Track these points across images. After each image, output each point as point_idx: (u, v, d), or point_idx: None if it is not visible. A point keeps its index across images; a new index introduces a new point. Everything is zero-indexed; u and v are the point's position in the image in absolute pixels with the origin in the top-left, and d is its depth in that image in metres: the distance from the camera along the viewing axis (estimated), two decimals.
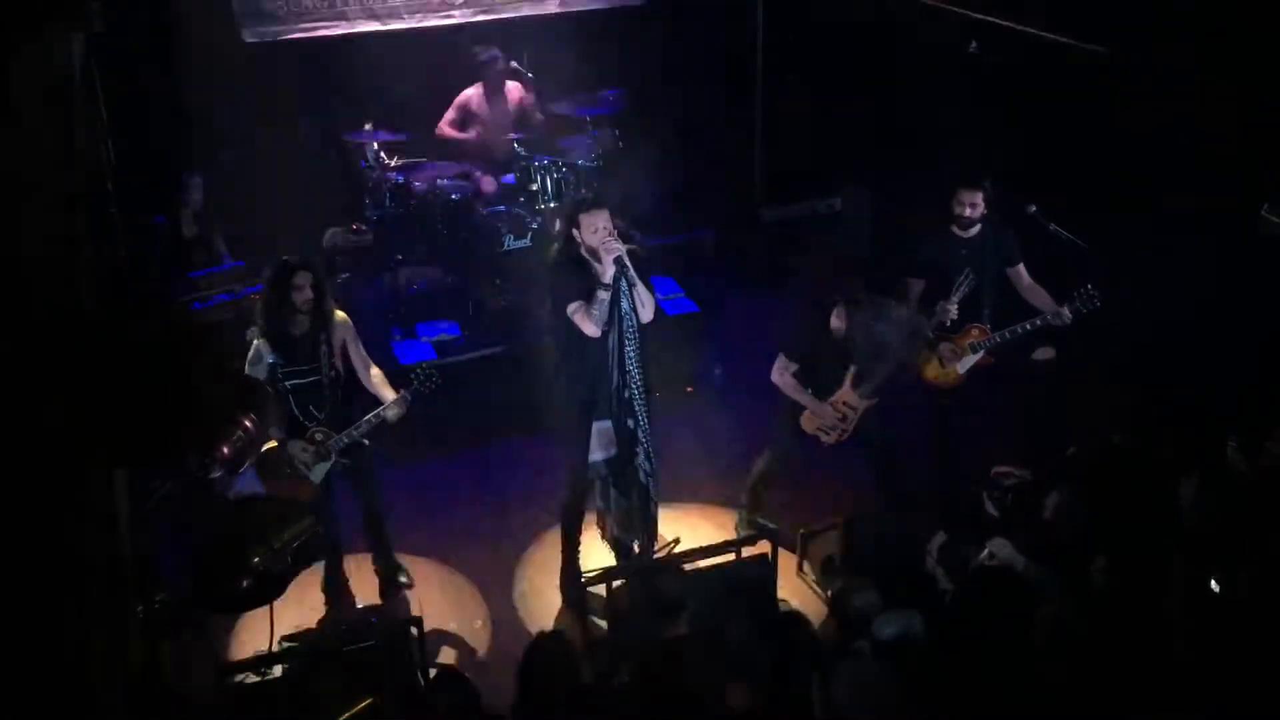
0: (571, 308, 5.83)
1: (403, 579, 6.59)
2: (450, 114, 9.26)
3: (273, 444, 6.02)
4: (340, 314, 6.08)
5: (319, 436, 5.97)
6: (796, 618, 4.92)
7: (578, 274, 5.87)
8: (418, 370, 6.05)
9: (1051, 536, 5.22)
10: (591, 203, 5.98)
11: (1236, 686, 4.21)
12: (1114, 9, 7.35)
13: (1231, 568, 4.66)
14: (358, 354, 6.12)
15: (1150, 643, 4.46)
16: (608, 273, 5.70)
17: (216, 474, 6.66)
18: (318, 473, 6.04)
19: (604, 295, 5.72)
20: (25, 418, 2.82)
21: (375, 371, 6.18)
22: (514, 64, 9.29)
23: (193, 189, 8.22)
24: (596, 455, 6.20)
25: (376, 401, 6.10)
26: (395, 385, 6.13)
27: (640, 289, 5.84)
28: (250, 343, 6.01)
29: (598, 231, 5.76)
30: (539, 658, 4.58)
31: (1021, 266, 6.75)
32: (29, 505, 2.87)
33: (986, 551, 5.16)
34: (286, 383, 5.95)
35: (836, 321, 6.28)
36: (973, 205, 6.59)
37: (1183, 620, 4.48)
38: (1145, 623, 4.54)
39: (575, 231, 5.84)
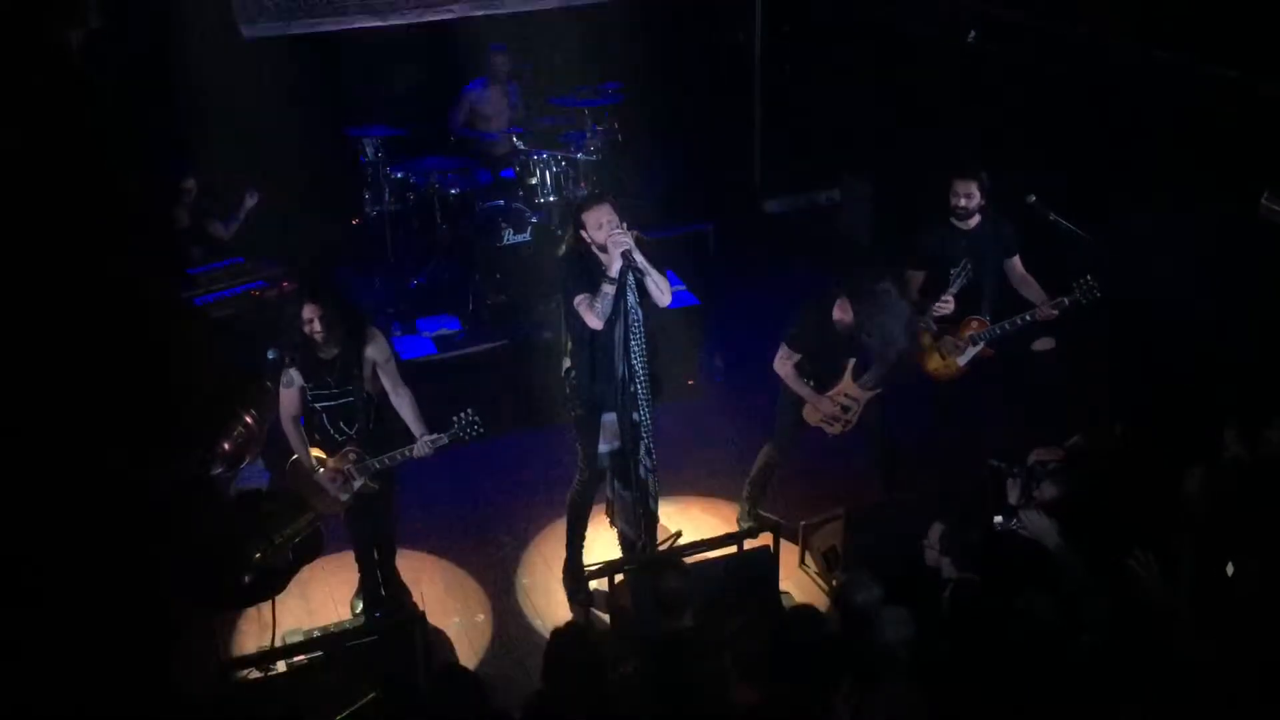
0: (578, 300, 5.84)
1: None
2: (456, 113, 9.26)
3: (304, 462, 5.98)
4: (375, 335, 5.93)
5: (352, 456, 5.92)
6: (803, 613, 4.91)
7: (585, 268, 5.88)
8: (460, 417, 5.90)
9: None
10: (594, 199, 5.98)
11: (1243, 677, 4.21)
12: None
13: (1238, 557, 4.66)
14: (388, 376, 5.95)
15: (1156, 633, 4.46)
16: (614, 266, 5.70)
17: (218, 470, 6.66)
18: (344, 491, 6.00)
19: (608, 289, 5.72)
20: (24, 415, 2.82)
21: (406, 397, 5.98)
22: (515, 61, 9.30)
23: (187, 191, 8.25)
24: (602, 447, 6.23)
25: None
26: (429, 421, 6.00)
27: (655, 276, 5.85)
28: (271, 361, 5.93)
29: (603, 226, 5.76)
30: (559, 651, 4.58)
31: (1017, 258, 6.74)
32: (28, 504, 2.88)
33: (1014, 520, 5.14)
34: (317, 404, 5.88)
35: (839, 313, 6.28)
36: (968, 195, 6.57)
37: (1189, 610, 4.48)
38: (1151, 613, 4.54)
39: (582, 231, 5.84)
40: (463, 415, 5.90)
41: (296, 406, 5.90)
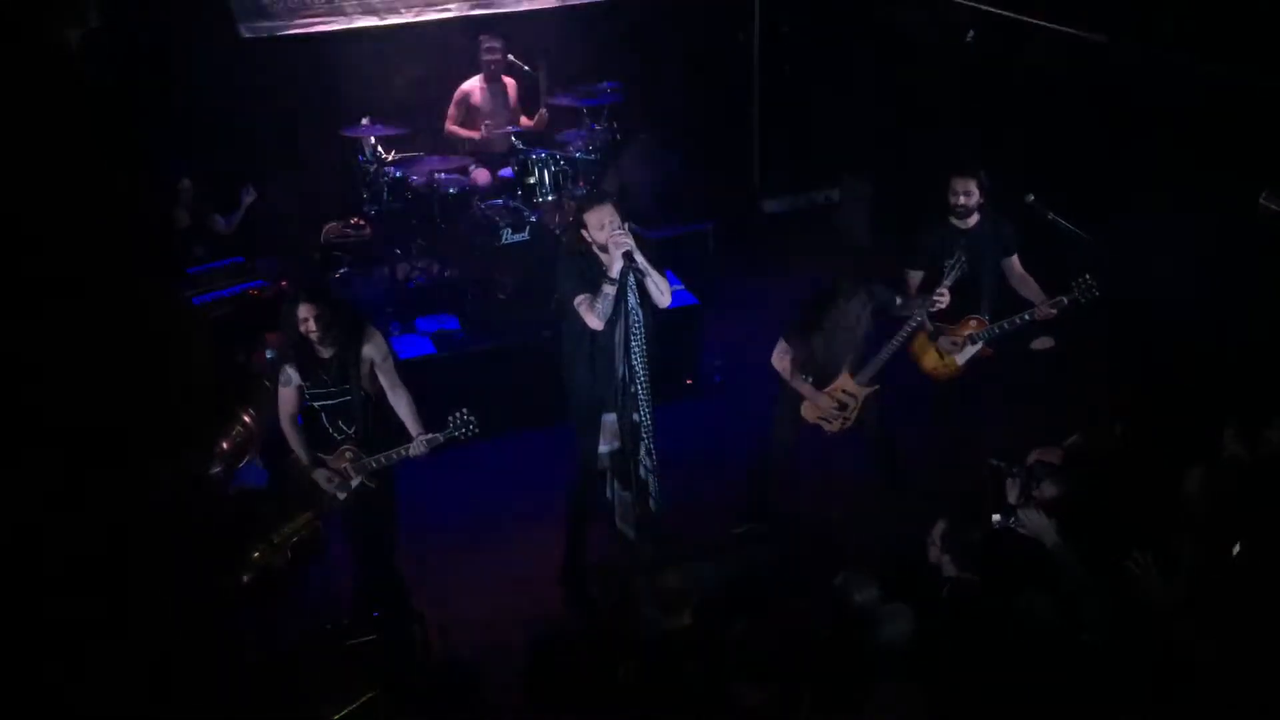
0: (578, 300, 5.84)
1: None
2: (453, 110, 9.26)
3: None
4: (373, 334, 5.90)
5: (350, 455, 5.90)
6: (804, 611, 4.92)
7: (585, 267, 5.88)
8: (455, 416, 5.88)
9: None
10: (594, 199, 5.98)
11: (1243, 677, 4.22)
12: None
13: (1239, 555, 4.66)
14: (386, 376, 5.92)
15: (1156, 633, 4.47)
16: (615, 266, 5.70)
17: (216, 469, 6.67)
18: (342, 489, 6.01)
19: (609, 289, 5.72)
20: (24, 415, 2.82)
21: (403, 397, 5.96)
22: (511, 58, 9.30)
23: (184, 191, 8.27)
24: (602, 447, 6.23)
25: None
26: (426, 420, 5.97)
27: (655, 276, 5.85)
28: (270, 360, 5.90)
29: (604, 227, 5.76)
30: (547, 650, 4.59)
31: (1016, 258, 6.75)
32: (27, 504, 2.88)
33: (1012, 518, 5.14)
34: (315, 403, 5.85)
35: (836, 312, 6.29)
36: (966, 194, 6.57)
37: (1189, 611, 4.48)
38: (1151, 613, 4.54)
39: (584, 231, 5.84)
40: (458, 414, 5.89)
41: (295, 405, 5.90)
